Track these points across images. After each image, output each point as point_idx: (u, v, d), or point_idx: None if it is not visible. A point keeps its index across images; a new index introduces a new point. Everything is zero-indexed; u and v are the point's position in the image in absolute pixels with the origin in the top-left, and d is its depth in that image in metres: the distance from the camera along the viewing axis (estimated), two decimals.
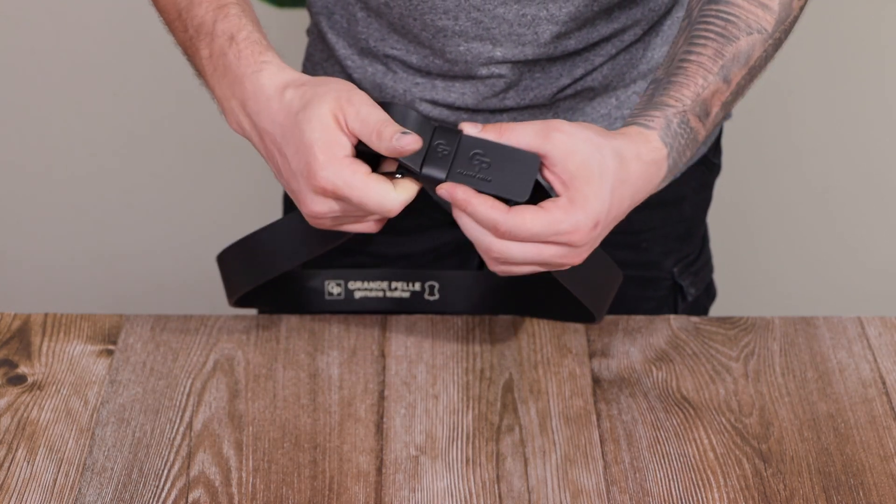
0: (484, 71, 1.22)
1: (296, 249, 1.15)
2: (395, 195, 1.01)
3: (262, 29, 1.09)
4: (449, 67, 1.22)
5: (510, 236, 1.00)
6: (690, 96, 1.05)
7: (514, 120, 1.25)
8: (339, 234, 1.12)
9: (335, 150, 1.01)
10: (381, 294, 1.26)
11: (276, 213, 1.49)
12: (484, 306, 1.27)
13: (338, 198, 1.01)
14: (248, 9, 1.11)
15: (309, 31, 1.37)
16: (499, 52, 1.20)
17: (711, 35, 1.07)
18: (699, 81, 1.06)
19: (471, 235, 1.02)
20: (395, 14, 1.21)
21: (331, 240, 1.13)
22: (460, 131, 1.03)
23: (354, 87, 1.03)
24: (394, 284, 1.26)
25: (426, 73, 1.24)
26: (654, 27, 1.25)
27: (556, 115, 1.26)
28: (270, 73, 1.04)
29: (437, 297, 1.26)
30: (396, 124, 1.01)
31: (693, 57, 1.07)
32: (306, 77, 1.04)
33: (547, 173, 1.01)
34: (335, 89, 1.02)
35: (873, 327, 1.25)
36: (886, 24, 2.10)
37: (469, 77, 1.23)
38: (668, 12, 1.25)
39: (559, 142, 1.01)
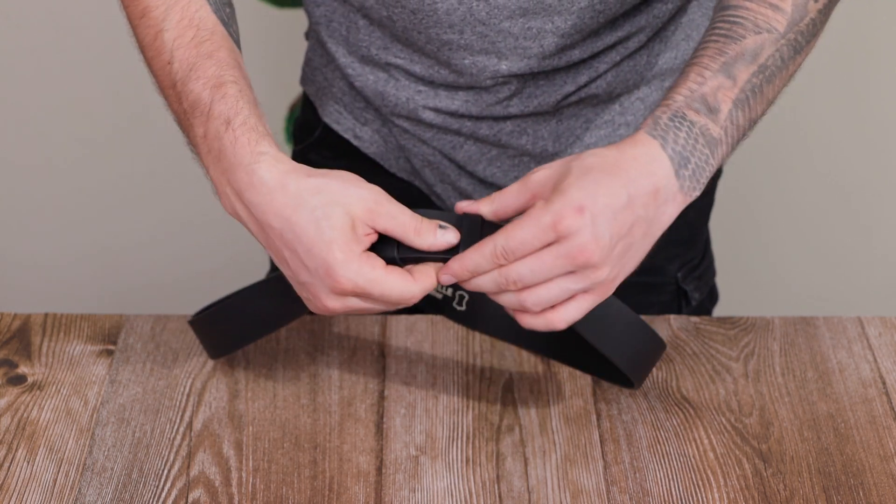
0: (489, 82, 1.21)
1: (278, 312, 1.12)
2: (416, 286, 1.01)
3: (259, 110, 1.05)
4: (455, 78, 1.22)
5: (511, 255, 0.99)
6: (683, 93, 1.04)
7: (519, 126, 1.25)
8: None
9: (353, 248, 0.99)
10: None
11: None
12: (508, 334, 1.23)
13: (358, 294, 1.00)
14: (246, 86, 1.06)
15: (307, 36, 1.37)
16: (504, 66, 1.20)
17: (714, 37, 1.07)
18: (693, 78, 1.05)
19: (490, 293, 1.02)
20: (398, 27, 1.20)
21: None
22: (478, 216, 1.04)
23: (370, 186, 1.02)
24: None
25: (429, 81, 1.24)
26: (657, 34, 1.25)
27: (559, 122, 1.25)
28: (268, 165, 1.01)
29: (464, 308, 1.23)
30: (428, 221, 1.01)
31: (693, 60, 1.06)
32: (308, 168, 1.01)
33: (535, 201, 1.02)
34: (356, 189, 1.00)
35: (873, 327, 1.25)
36: (886, 23, 2.10)
37: (473, 87, 1.23)
38: (671, 18, 1.25)
39: (537, 173, 1.01)
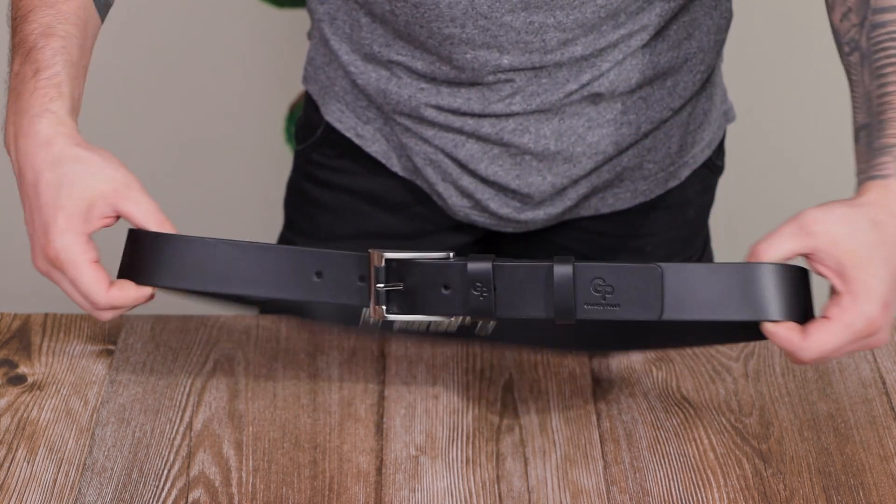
0: (491, 78, 1.22)
1: (242, 279, 1.07)
2: (104, 293, 1.05)
3: (75, 71, 1.07)
4: (456, 74, 1.22)
5: (816, 360, 1.01)
6: None
7: (521, 125, 1.24)
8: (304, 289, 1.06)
9: (77, 224, 1.03)
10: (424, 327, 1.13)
11: (276, 214, 1.49)
12: (544, 340, 1.19)
13: (59, 269, 1.04)
14: (74, 45, 1.08)
15: (310, 35, 1.37)
16: (506, 60, 1.20)
17: (892, 61, 1.06)
18: None
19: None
20: (400, 21, 1.20)
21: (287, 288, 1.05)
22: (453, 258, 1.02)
23: (128, 172, 1.06)
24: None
25: (431, 78, 1.24)
26: (660, 32, 1.25)
27: (562, 121, 1.25)
28: (49, 122, 1.04)
29: (489, 333, 1.12)
30: (170, 223, 1.06)
31: (891, 88, 1.05)
32: (81, 140, 1.05)
33: (818, 267, 1.01)
34: (112, 169, 1.05)
35: None
36: None
37: (475, 83, 1.23)
38: (674, 17, 1.25)
39: (819, 234, 1.01)
